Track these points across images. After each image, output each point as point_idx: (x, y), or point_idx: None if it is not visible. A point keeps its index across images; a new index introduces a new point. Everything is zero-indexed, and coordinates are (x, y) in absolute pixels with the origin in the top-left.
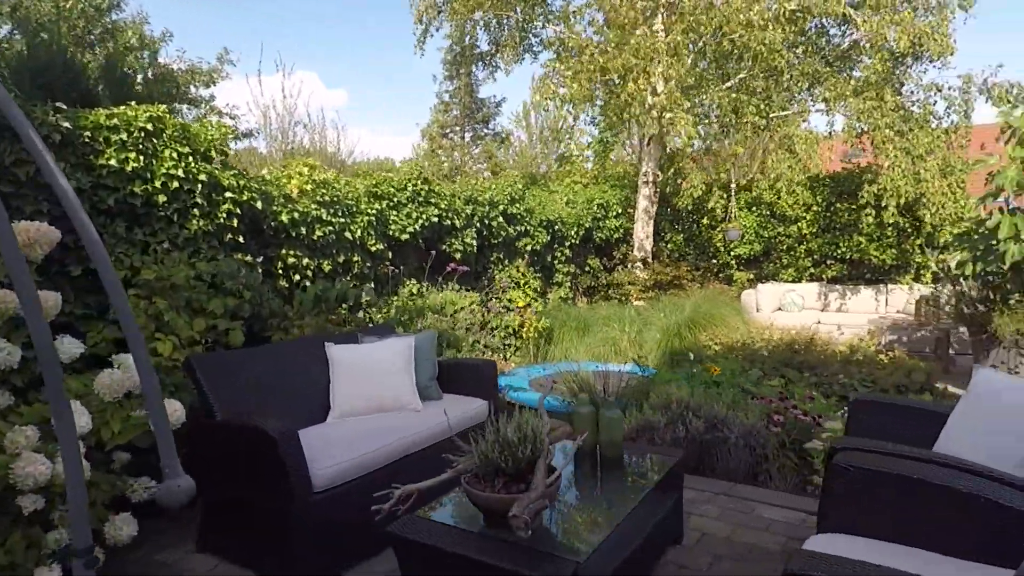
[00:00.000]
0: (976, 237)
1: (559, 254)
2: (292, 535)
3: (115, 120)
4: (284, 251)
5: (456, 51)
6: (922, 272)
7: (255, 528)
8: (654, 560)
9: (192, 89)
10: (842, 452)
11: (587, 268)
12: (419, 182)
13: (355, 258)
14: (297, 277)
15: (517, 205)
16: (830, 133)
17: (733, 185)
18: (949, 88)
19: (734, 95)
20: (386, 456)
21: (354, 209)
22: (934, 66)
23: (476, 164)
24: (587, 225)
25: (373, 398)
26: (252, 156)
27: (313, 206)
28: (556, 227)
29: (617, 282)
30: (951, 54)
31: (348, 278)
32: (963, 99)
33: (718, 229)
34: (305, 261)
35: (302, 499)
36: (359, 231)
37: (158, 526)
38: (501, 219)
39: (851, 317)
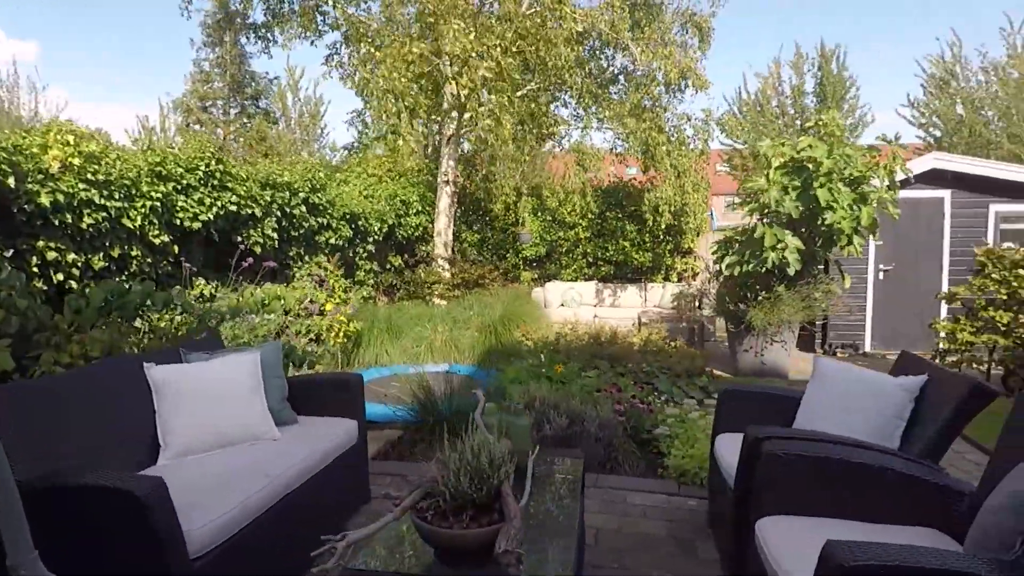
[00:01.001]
0: (742, 243)
1: (362, 250)
2: None
3: None
4: (42, 243)
5: (219, 16)
6: (670, 273)
7: None
8: (582, 566)
9: None
10: (768, 440)
11: (389, 266)
12: (213, 161)
13: (134, 252)
14: (60, 276)
15: (319, 194)
16: (612, 149)
17: (525, 191)
18: (695, 119)
19: (532, 104)
20: (270, 498)
21: (134, 192)
22: (687, 97)
23: (244, 145)
24: (390, 221)
25: (218, 429)
26: None
27: (81, 185)
28: (359, 222)
29: (421, 281)
30: (708, 88)
31: (124, 276)
32: (705, 128)
33: (508, 232)
34: (71, 256)
35: (180, 572)
36: (140, 219)
37: None
38: (303, 208)
39: (621, 311)
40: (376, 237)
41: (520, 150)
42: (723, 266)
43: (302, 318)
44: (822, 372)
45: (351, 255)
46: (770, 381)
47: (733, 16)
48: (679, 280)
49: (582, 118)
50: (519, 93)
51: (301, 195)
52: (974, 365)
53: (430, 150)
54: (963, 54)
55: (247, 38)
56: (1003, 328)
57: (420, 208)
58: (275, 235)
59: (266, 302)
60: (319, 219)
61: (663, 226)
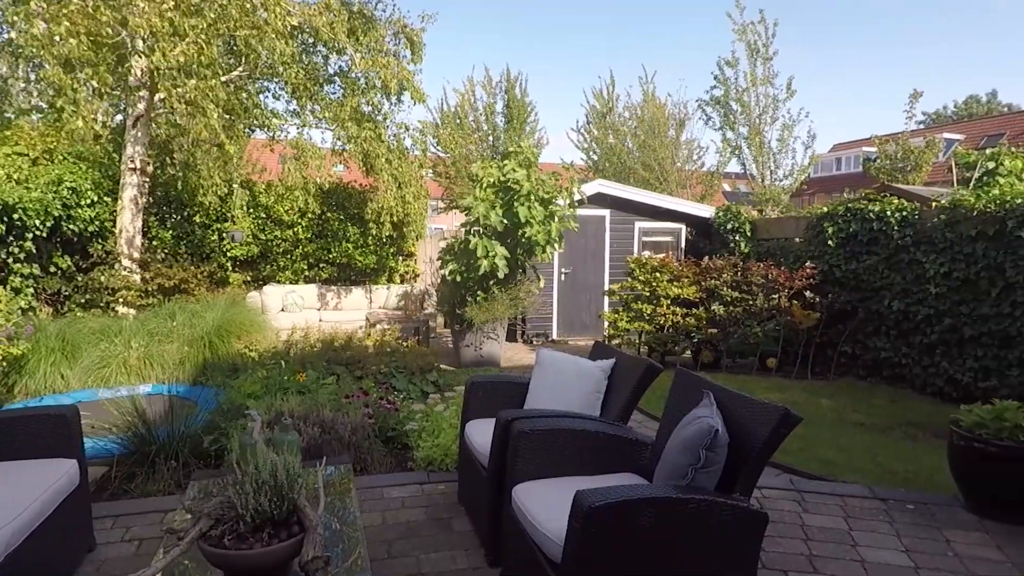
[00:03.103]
0: (461, 252)
1: (16, 250)
2: None
3: None
4: None
5: None
6: (393, 275)
7: None
8: None
9: None
10: (517, 421)
11: (55, 269)
12: None
13: None
14: None
15: None
16: (333, 149)
17: (236, 184)
18: (413, 128)
19: (243, 94)
20: None
21: None
22: (405, 106)
23: None
24: (56, 214)
25: None
26: None
27: None
28: (15, 215)
29: (102, 287)
30: (425, 100)
31: None
32: (422, 139)
33: (213, 229)
34: None
35: None
36: None
37: None
38: None
39: (347, 314)
40: (38, 233)
41: (230, 139)
42: (447, 272)
43: None
44: (542, 360)
45: (3, 256)
46: (487, 369)
47: (438, 31)
48: (402, 281)
49: (299, 114)
50: (223, 78)
51: None
52: (631, 347)
53: (102, 127)
54: (616, 92)
55: None
56: (647, 317)
57: (96, 198)
58: None
59: None
60: None
61: (385, 234)
